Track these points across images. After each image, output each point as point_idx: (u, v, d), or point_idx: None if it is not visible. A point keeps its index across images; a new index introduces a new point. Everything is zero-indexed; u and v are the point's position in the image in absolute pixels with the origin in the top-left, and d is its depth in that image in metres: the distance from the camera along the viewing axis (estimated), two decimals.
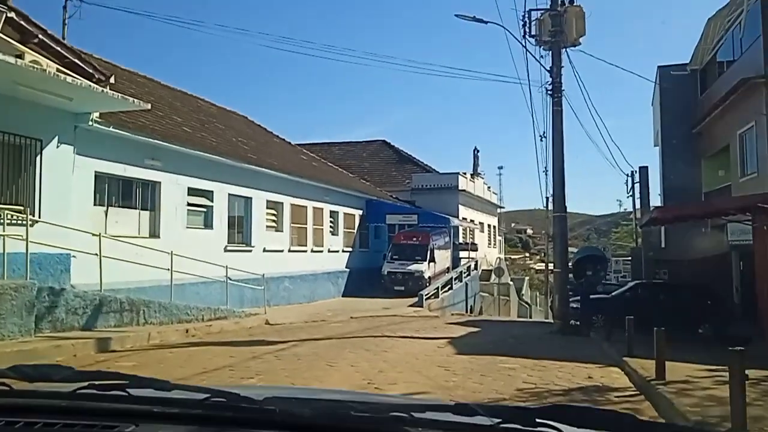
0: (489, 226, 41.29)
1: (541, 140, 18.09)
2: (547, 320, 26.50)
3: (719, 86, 19.28)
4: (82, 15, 22.17)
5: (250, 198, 18.98)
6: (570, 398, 6.62)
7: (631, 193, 25.31)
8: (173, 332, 11.29)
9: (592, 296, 15.55)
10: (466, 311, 26.48)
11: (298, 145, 30.37)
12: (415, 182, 33.07)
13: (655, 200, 24.98)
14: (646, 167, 22.68)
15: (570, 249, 17.95)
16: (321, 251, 23.56)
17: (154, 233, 14.90)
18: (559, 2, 15.59)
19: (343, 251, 25.62)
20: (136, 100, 11.93)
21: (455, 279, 26.34)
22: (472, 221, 35.40)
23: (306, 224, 22.56)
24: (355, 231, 26.92)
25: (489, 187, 42.16)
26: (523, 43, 15.78)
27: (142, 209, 14.73)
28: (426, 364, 8.70)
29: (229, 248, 17.67)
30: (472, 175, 36.88)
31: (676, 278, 20.77)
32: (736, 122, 17.79)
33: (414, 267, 24.38)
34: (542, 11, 15.77)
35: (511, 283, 36.29)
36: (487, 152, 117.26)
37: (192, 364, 7.95)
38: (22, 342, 8.66)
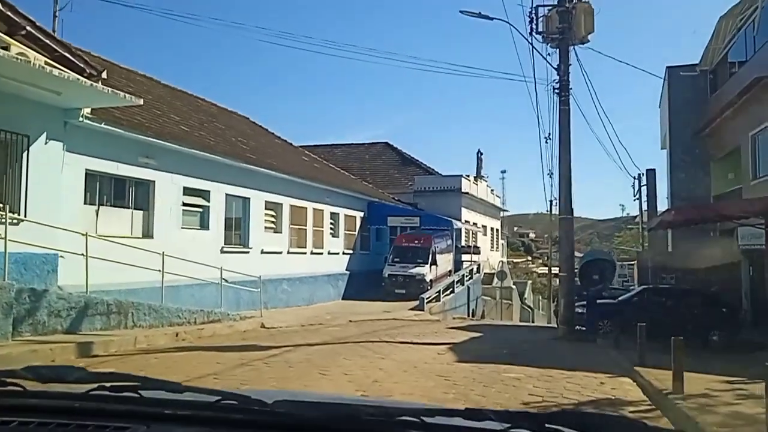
0: (492, 229, 40.80)
1: (546, 142, 17.69)
2: (550, 325, 26.01)
3: (731, 86, 18.78)
4: (73, 8, 21.69)
5: (249, 198, 18.54)
6: None
7: (637, 196, 24.81)
8: (162, 336, 10.84)
9: (598, 301, 15.02)
10: (468, 315, 26.04)
11: (301, 146, 29.94)
12: (418, 184, 32.61)
13: (662, 204, 24.48)
14: (654, 170, 22.23)
15: (574, 254, 17.46)
16: (321, 253, 23.12)
17: (147, 233, 14.46)
18: None
19: (344, 253, 25.17)
20: (128, 95, 11.50)
21: (457, 282, 25.89)
22: (474, 224, 34.93)
23: (306, 226, 22.12)
24: (356, 233, 26.47)
25: (492, 190, 41.67)
26: (530, 41, 15.34)
27: (135, 209, 14.29)
28: (425, 373, 8.22)
29: (225, 249, 17.23)
30: (475, 177, 36.41)
31: (683, 283, 20.25)
32: (749, 123, 17.30)
33: (415, 270, 23.93)
34: (550, 7, 15.32)
35: (514, 286, 35.82)
36: (490, 156, 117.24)
37: (175, 371, 7.50)
38: None
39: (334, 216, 24.37)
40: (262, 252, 19.04)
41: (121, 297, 12.25)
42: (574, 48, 15.29)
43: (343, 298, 23.87)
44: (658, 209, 23.85)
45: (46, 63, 10.78)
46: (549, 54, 15.36)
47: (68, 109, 11.90)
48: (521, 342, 13.59)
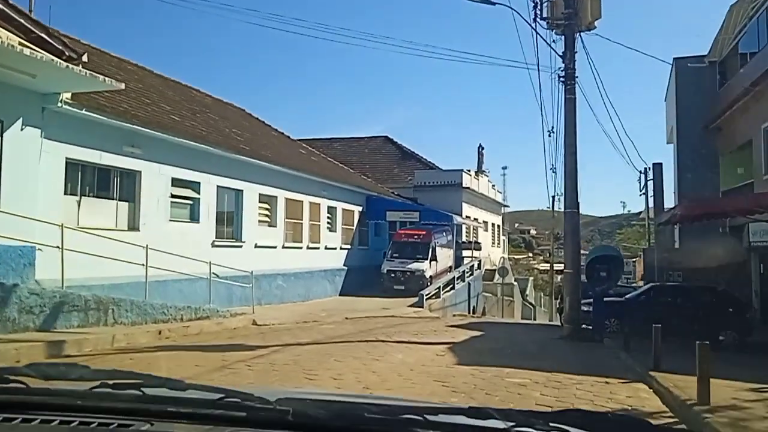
0: (493, 224, 40.12)
1: (549, 136, 17.00)
2: (553, 323, 25.40)
3: (742, 77, 18.08)
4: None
5: (242, 191, 17.88)
6: None
7: (643, 191, 24.09)
8: (143, 334, 10.20)
9: (605, 299, 14.36)
10: (469, 312, 25.42)
11: (299, 140, 29.23)
12: (418, 179, 31.93)
13: (669, 199, 23.78)
14: (660, 164, 21.57)
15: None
16: (317, 248, 22.45)
17: (133, 226, 13.82)
18: None
19: (341, 248, 24.50)
20: (107, 79, 10.83)
21: (457, 278, 25.26)
22: (475, 219, 34.27)
23: (302, 220, 21.45)
24: (354, 228, 25.79)
25: (494, 186, 40.96)
26: (534, 27, 14.63)
27: (120, 200, 13.64)
28: (422, 378, 7.56)
29: (217, 243, 16.58)
30: (476, 172, 35.71)
31: (691, 281, 19.60)
32: (761, 115, 16.61)
33: (415, 266, 23.30)
34: None
35: (515, 283, 35.13)
36: (491, 154, 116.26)
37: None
38: None
39: (331, 210, 23.70)
40: (256, 246, 18.39)
41: (104, 292, 11.65)
42: (580, 34, 14.60)
43: (340, 294, 23.24)
44: (665, 205, 23.13)
45: (20, 44, 10.13)
46: (554, 41, 14.67)
47: (46, 94, 11.27)
48: (525, 342, 12.94)
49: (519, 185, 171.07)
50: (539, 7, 14.70)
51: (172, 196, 15.00)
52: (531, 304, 38.38)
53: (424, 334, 12.69)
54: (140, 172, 13.95)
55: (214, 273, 14.94)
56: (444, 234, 26.42)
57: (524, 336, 14.51)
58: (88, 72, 10.36)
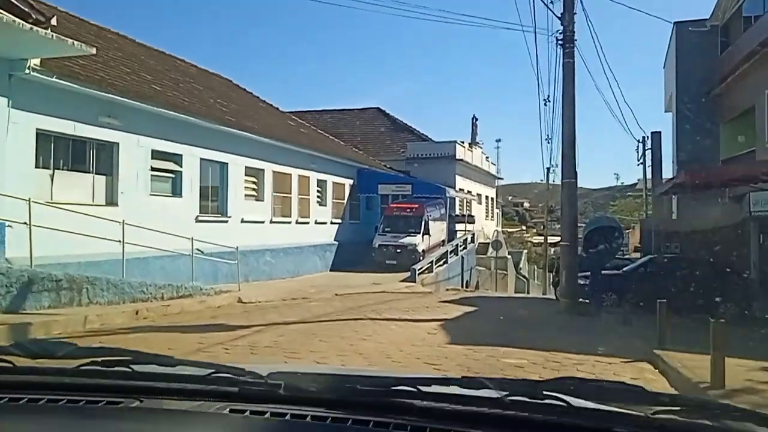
0: (487, 197, 39.60)
1: (545, 105, 16.40)
2: (547, 296, 25.08)
3: (746, 41, 17.43)
4: None
5: (226, 164, 17.22)
6: None
7: (641, 161, 23.54)
8: (119, 314, 9.67)
9: (603, 272, 13.91)
10: (462, 286, 25.05)
11: (289, 112, 28.41)
12: (410, 151, 31.27)
13: (667, 169, 23.26)
14: (659, 132, 20.97)
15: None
16: (307, 222, 21.88)
17: (111, 200, 13.21)
18: None
19: (332, 223, 23.94)
20: (76, 43, 10.11)
21: (451, 252, 24.81)
22: (469, 192, 33.73)
23: (290, 193, 20.83)
24: (345, 201, 25.19)
25: (487, 158, 40.31)
26: None
27: (97, 173, 12.99)
28: (411, 360, 7.07)
29: (201, 218, 15.99)
30: (470, 144, 35.07)
31: (688, 252, 19.19)
32: (764, 81, 16.00)
33: (407, 240, 22.81)
34: None
35: (509, 256, 34.76)
36: (485, 127, 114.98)
37: None
38: None
39: (321, 183, 23.07)
40: (243, 221, 17.80)
41: (80, 270, 11.09)
42: None
43: (331, 270, 22.75)
44: (663, 175, 22.61)
45: None
46: (552, 2, 13.96)
47: (12, 60, 10.56)
48: (520, 317, 12.51)
49: (512, 158, 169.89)
50: None
51: (153, 169, 14.36)
52: (524, 277, 38.08)
53: (416, 311, 12.23)
54: (118, 143, 13.29)
55: (198, 249, 14.41)
56: (437, 207, 25.91)
57: (519, 311, 14.08)
58: (54, 35, 9.63)
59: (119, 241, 11.74)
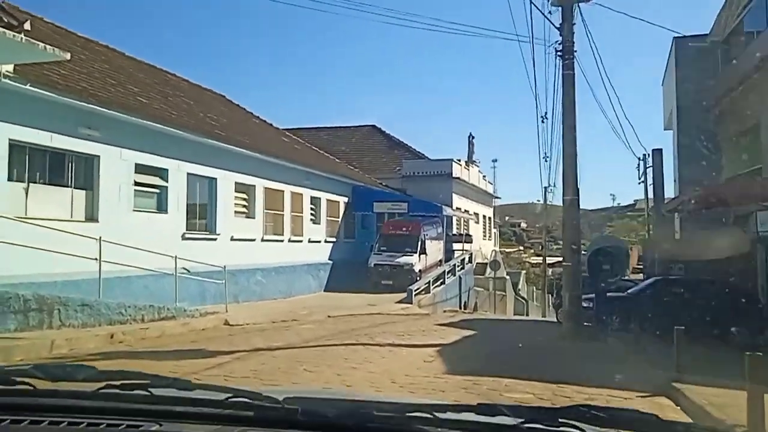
0: (484, 217, 39.01)
1: (543, 122, 15.88)
2: (548, 319, 24.37)
3: (749, 56, 16.94)
4: None
5: (215, 179, 16.60)
6: None
7: (642, 179, 23.01)
8: (91, 338, 8.95)
9: (608, 294, 13.24)
10: (460, 307, 24.36)
11: (284, 129, 27.86)
12: (406, 169, 30.72)
13: (668, 188, 22.69)
14: (660, 150, 20.48)
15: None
16: (300, 241, 21.21)
17: (91, 216, 12.56)
18: None
19: (326, 241, 23.27)
20: (49, 47, 9.51)
21: (448, 273, 24.15)
22: (466, 211, 33.15)
23: (282, 211, 20.19)
24: (340, 220, 24.55)
25: (484, 176, 39.79)
26: None
27: (76, 187, 12.36)
28: (405, 394, 6.31)
29: (188, 236, 15.32)
30: (466, 162, 34.53)
31: (692, 274, 18.56)
32: None
33: (403, 259, 22.15)
34: None
35: (508, 277, 34.07)
36: (481, 146, 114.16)
37: None
38: None
39: (314, 201, 22.43)
40: (232, 239, 17.13)
41: (55, 290, 10.40)
42: (578, 5, 13.44)
43: (325, 290, 22.05)
44: (665, 194, 22.04)
45: None
46: (550, 12, 13.48)
47: None
48: (522, 342, 11.79)
49: (509, 179, 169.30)
50: None
51: (137, 183, 13.73)
52: (523, 298, 37.36)
53: (412, 335, 11.52)
54: (99, 156, 12.68)
55: (184, 268, 13.73)
56: (434, 226, 25.30)
57: (521, 335, 13.40)
58: (24, 38, 9.04)
59: (103, 259, 11.07)
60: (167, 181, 14.60)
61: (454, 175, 30.44)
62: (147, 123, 13.70)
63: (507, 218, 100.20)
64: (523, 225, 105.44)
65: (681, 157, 21.44)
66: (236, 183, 17.51)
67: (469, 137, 38.22)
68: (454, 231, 29.55)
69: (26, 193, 11.24)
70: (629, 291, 14.52)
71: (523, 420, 1.30)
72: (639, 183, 23.42)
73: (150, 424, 1.38)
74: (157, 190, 14.50)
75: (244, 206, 18.23)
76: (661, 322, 11.04)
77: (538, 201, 60.78)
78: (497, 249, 41.21)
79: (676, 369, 7.13)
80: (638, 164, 23.26)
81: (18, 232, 10.17)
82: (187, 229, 15.31)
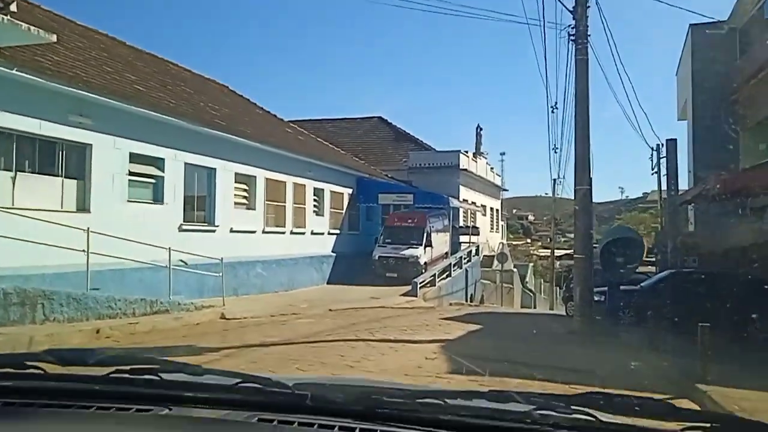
0: (492, 209, 38.38)
1: (552, 112, 15.27)
2: (556, 312, 23.80)
3: (766, 45, 16.30)
4: None
5: (214, 169, 16.12)
6: None
7: (655, 170, 22.35)
8: (76, 333, 8.50)
9: (622, 287, 12.66)
10: (466, 300, 23.85)
11: (289, 121, 27.33)
12: (413, 161, 30.14)
13: (682, 179, 22.01)
14: (675, 140, 19.75)
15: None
16: (303, 233, 20.74)
17: (83, 207, 12.13)
18: None
19: (330, 233, 22.77)
20: (33, 28, 9.02)
21: (454, 265, 23.62)
22: (473, 203, 32.55)
23: (284, 202, 19.69)
24: (344, 211, 24.04)
25: (492, 168, 39.13)
26: None
27: (66, 177, 11.91)
28: None
29: (185, 227, 14.87)
30: (474, 154, 33.91)
31: (708, 266, 17.94)
32: None
33: (408, 252, 21.65)
34: None
35: (515, 270, 33.47)
36: (489, 139, 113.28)
37: None
38: None
39: (318, 192, 21.93)
40: (232, 231, 16.67)
41: (45, 283, 9.99)
42: None
43: (328, 283, 21.59)
44: (678, 185, 21.36)
45: None
46: None
47: None
48: (531, 338, 11.29)
49: (517, 172, 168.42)
50: None
51: (131, 173, 13.27)
52: (531, 291, 36.79)
53: (415, 330, 11.01)
54: (91, 145, 12.23)
55: (181, 260, 13.29)
56: (440, 218, 24.76)
57: (529, 330, 12.86)
58: (6, 19, 8.56)
59: (91, 251, 10.63)
60: (164, 171, 14.14)
61: (461, 167, 29.84)
62: (143, 111, 13.23)
63: (515, 211, 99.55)
64: (531, 218, 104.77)
65: (696, 148, 20.79)
66: (236, 174, 17.04)
67: (476, 129, 37.64)
68: (461, 223, 28.99)
69: (13, 183, 10.81)
70: (642, 284, 13.92)
71: (535, 407, 1.30)
72: (652, 173, 22.77)
73: (159, 408, 1.39)
74: (153, 180, 14.04)
75: (245, 197, 17.75)
76: (679, 316, 10.50)
77: (546, 194, 60.10)
78: (504, 241, 40.63)
79: (699, 369, 6.57)
80: (651, 154, 22.58)
81: (4, 222, 9.77)
82: (184, 221, 14.86)
